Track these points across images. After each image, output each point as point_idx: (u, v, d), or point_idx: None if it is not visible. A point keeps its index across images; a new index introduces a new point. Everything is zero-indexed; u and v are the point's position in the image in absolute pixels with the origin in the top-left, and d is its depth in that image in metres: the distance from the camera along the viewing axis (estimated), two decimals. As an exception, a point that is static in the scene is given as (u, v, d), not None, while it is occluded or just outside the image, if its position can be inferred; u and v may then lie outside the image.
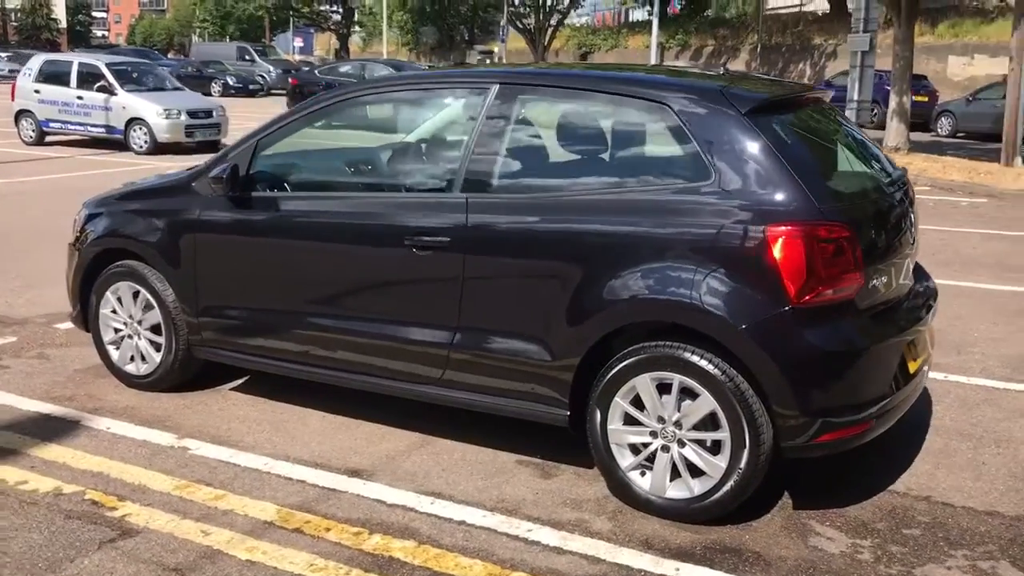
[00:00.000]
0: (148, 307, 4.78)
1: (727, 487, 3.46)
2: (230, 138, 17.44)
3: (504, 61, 36.63)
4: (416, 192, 4.15)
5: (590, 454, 3.95)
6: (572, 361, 3.69)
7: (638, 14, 49.90)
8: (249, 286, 4.47)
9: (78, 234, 5.04)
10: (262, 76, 39.78)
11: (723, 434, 3.44)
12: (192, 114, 16.50)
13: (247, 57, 41.90)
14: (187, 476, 3.93)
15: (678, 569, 3.27)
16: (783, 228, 3.33)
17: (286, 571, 3.22)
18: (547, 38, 27.35)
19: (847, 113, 18.31)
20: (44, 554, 3.29)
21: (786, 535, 3.52)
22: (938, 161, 16.41)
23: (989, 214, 12.01)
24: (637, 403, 3.61)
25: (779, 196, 3.39)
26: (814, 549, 3.42)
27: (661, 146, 3.70)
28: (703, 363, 3.43)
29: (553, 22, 27.71)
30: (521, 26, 28.08)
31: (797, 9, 45.31)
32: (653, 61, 41.96)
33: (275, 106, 28.77)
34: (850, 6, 42.93)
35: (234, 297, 4.53)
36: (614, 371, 3.60)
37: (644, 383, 3.55)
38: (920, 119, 27.28)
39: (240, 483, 3.88)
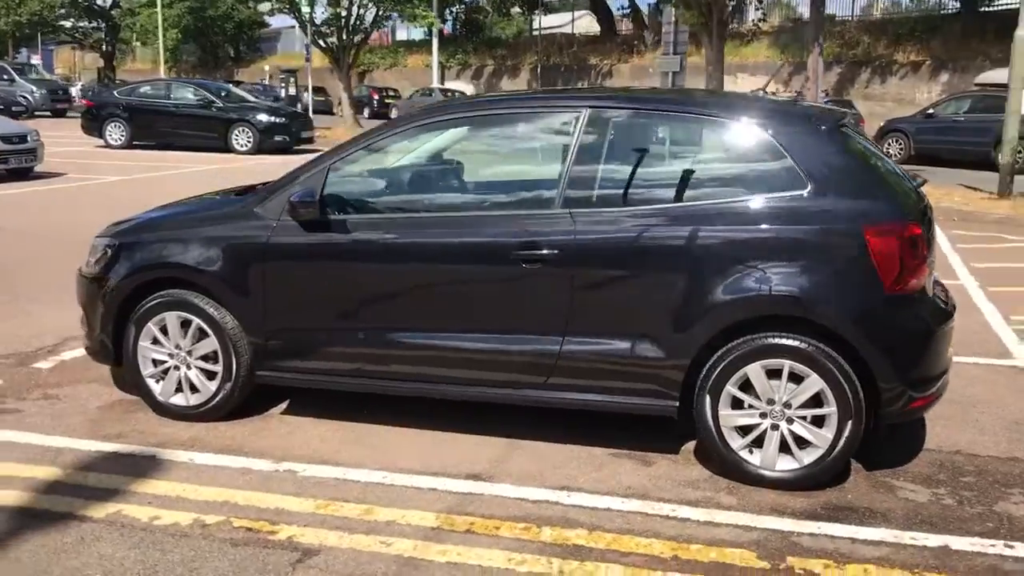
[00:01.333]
0: (201, 336, 4.71)
1: (834, 455, 4.01)
2: (46, 165, 16.34)
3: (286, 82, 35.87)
4: (515, 209, 4.42)
5: (666, 441, 4.47)
6: (685, 359, 4.10)
7: (414, 33, 50.68)
8: (333, 307, 4.55)
9: (104, 265, 4.86)
10: (25, 96, 36.89)
11: (830, 408, 3.98)
12: (5, 139, 15.29)
13: (5, 76, 38.64)
14: (319, 496, 3.98)
15: (820, 527, 3.77)
16: (877, 227, 3.93)
17: (491, 567, 3.42)
18: (351, 56, 27.41)
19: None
20: (244, 580, 3.31)
21: (877, 492, 4.11)
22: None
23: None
24: (745, 388, 4.08)
25: (868, 200, 3.99)
26: (907, 500, 4.03)
27: (756, 161, 4.21)
28: (810, 349, 3.95)
29: (357, 40, 27.81)
30: (324, 45, 27.90)
31: (569, 30, 47.63)
32: (435, 80, 43.05)
33: (53, 128, 26.90)
34: (617, 26, 45.83)
35: (314, 319, 4.58)
36: (726, 362, 4.05)
37: (755, 370, 4.03)
38: (702, 133, 29.76)
39: (376, 497, 3.98)
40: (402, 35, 53.15)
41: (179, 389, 4.81)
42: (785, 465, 4.09)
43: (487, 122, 4.74)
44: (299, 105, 31.12)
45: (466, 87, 44.00)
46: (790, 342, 3.98)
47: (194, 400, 4.79)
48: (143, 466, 4.26)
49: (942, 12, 34.28)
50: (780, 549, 3.58)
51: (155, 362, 4.82)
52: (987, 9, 32.42)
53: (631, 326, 4.17)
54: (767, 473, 4.10)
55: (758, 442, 4.11)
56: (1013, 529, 3.78)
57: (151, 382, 4.85)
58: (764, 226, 4.03)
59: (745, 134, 4.23)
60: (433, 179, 5.01)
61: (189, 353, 4.76)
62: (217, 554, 3.47)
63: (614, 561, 3.48)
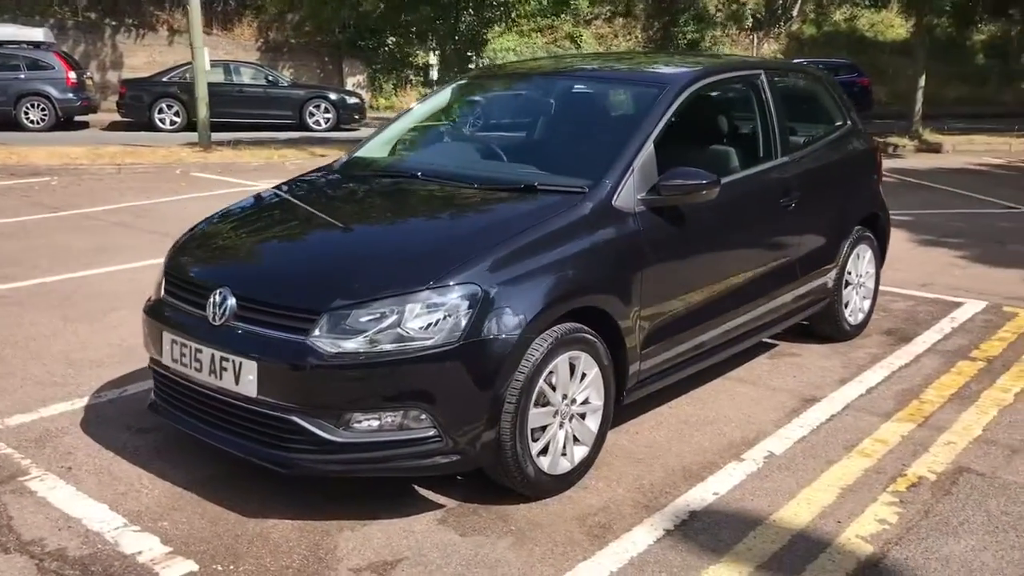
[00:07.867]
0: (583, 375, 3.73)
1: (874, 308, 5.95)
2: None
3: None
4: (763, 163, 4.82)
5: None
6: (840, 259, 5.40)
7: None
8: (684, 293, 4.23)
9: (484, 325, 3.32)
10: None
11: (872, 270, 5.83)
12: None
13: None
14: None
15: (925, 339, 5.73)
16: (877, 143, 5.95)
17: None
18: None
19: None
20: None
21: (866, 338, 6.09)
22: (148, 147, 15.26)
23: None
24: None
25: (865, 128, 5.91)
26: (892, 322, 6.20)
27: (823, 103, 5.67)
28: (868, 232, 5.73)
29: None
30: None
31: None
32: None
33: None
34: None
35: (677, 311, 4.17)
36: (847, 253, 5.48)
37: (854, 256, 5.57)
38: None
39: (792, 459, 4.12)
40: None
41: (562, 453, 3.69)
42: (856, 320, 5.74)
43: (717, 86, 4.89)
44: None
45: None
46: (867, 232, 5.68)
47: (579, 455, 3.77)
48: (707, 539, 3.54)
49: None
50: (955, 354, 5.46)
51: (532, 433, 3.57)
52: None
53: (824, 238, 5.23)
54: (849, 330, 5.67)
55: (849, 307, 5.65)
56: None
57: (539, 459, 3.57)
58: (851, 148, 5.64)
59: (823, 85, 5.67)
60: (710, 143, 4.72)
61: (573, 401, 3.71)
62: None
63: (969, 399, 4.78)
